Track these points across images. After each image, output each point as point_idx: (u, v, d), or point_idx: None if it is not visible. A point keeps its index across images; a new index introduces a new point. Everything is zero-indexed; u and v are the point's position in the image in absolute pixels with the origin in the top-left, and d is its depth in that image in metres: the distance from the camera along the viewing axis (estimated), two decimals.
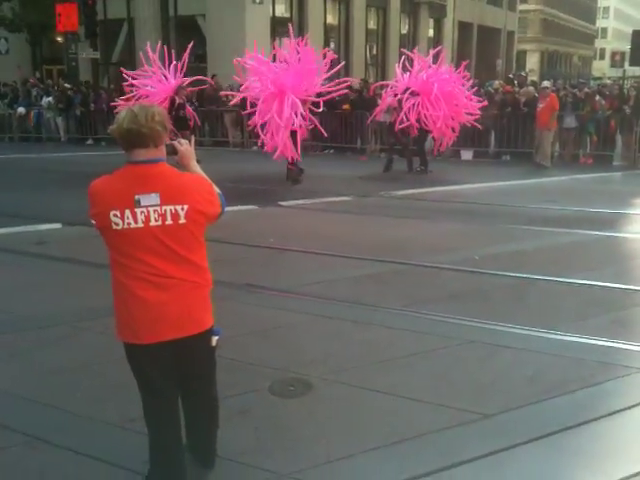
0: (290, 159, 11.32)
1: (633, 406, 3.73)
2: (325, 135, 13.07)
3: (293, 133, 10.87)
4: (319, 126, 12.09)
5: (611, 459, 3.32)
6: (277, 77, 10.65)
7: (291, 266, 6.66)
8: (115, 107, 13.44)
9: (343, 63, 12.23)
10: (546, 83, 15.98)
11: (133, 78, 12.84)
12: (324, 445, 3.36)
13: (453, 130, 12.94)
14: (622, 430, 3.59)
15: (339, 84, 11.69)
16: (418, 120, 12.31)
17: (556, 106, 13.62)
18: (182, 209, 2.64)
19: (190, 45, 12.64)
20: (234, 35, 20.75)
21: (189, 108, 12.97)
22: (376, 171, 13.20)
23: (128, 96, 12.74)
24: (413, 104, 12.21)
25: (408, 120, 12.26)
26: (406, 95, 12.29)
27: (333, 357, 4.41)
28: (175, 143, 2.88)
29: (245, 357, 4.28)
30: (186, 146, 2.91)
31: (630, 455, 3.32)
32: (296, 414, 3.70)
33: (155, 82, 12.67)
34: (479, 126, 13.37)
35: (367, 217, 9.18)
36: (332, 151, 16.63)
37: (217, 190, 2.86)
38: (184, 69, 12.65)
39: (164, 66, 12.72)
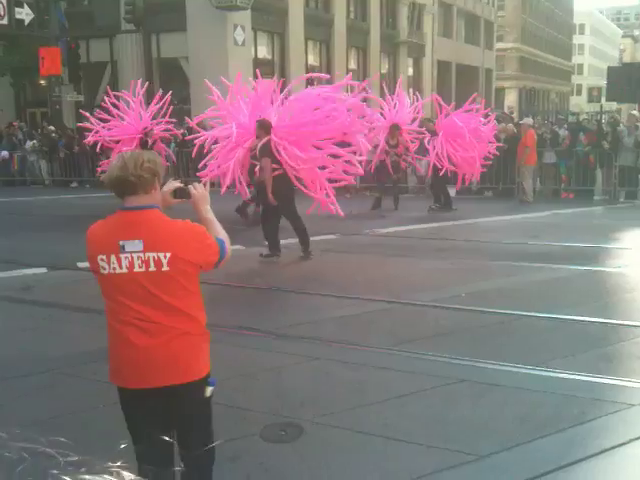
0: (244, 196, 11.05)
1: (624, 443, 3.73)
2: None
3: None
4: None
5: None
6: (243, 119, 10.47)
7: (278, 307, 6.66)
8: (100, 148, 13.66)
9: None
10: (526, 120, 16.30)
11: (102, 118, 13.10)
12: None
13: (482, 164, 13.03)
14: (614, 468, 3.59)
15: None
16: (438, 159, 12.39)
17: (528, 142, 13.88)
18: (165, 257, 2.63)
19: (170, 93, 12.95)
20: (217, 77, 20.96)
21: (164, 148, 13.20)
22: (361, 209, 13.29)
23: (94, 135, 13.04)
24: (436, 143, 12.32)
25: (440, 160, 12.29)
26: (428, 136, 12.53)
27: (323, 399, 4.39)
28: (190, 187, 2.87)
29: (234, 402, 4.24)
30: (201, 190, 2.89)
31: None
32: (288, 460, 3.66)
33: (130, 118, 12.95)
34: (497, 153, 13.35)
35: (353, 255, 9.22)
36: None
37: (218, 236, 2.83)
38: (164, 112, 12.94)
39: (147, 106, 13.01)
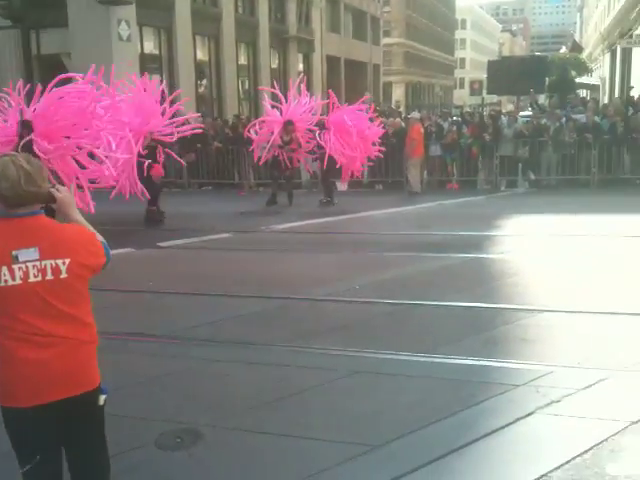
0: (149, 200, 11.12)
1: (511, 423, 3.94)
2: (183, 163, 13.22)
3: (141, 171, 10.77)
4: (176, 156, 12.18)
5: (495, 477, 3.48)
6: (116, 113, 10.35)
7: (173, 310, 6.51)
8: None
9: (185, 99, 12.04)
10: (414, 114, 16.82)
11: None
12: None
13: (362, 164, 13.32)
14: (503, 447, 3.76)
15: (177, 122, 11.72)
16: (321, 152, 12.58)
17: (413, 135, 14.36)
18: (63, 263, 2.54)
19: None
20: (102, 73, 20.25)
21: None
22: (256, 206, 13.27)
23: None
24: (327, 138, 12.45)
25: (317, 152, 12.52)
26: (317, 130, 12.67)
27: (222, 402, 4.35)
28: (53, 190, 2.71)
29: (129, 411, 4.12)
30: (65, 193, 2.75)
31: (511, 472, 3.50)
32: (184, 467, 3.60)
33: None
34: (381, 156, 13.74)
35: (248, 253, 9.18)
36: (210, 188, 16.56)
37: (101, 239, 2.75)
38: None
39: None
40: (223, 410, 4.22)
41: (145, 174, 10.84)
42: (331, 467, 3.51)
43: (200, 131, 13.68)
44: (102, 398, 2.72)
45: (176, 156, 12.26)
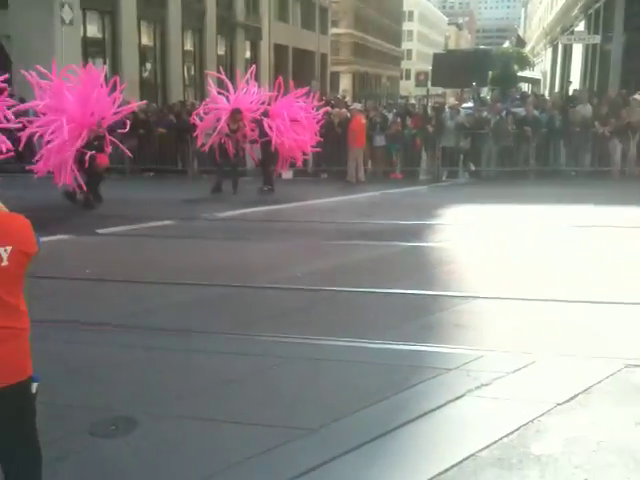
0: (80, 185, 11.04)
1: (442, 405, 4.05)
2: (130, 155, 13.05)
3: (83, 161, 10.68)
4: (123, 147, 12.08)
5: (425, 457, 3.57)
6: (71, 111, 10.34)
7: (111, 297, 6.43)
8: None
9: (123, 85, 11.85)
10: (356, 105, 16.96)
11: None
12: None
13: (304, 152, 13.28)
14: (434, 429, 3.87)
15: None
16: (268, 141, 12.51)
17: (353, 127, 14.50)
18: (5, 251, 2.49)
19: None
20: (43, 57, 19.61)
21: None
22: (200, 193, 13.15)
23: None
24: (270, 126, 12.42)
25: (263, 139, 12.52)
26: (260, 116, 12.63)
27: (159, 389, 4.33)
28: None
29: (62, 399, 4.06)
30: None
31: (441, 452, 3.60)
32: (120, 454, 3.59)
33: None
34: (318, 149, 13.77)
35: (191, 241, 9.11)
36: (152, 174, 16.33)
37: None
38: None
39: None
40: (159, 398, 4.20)
41: (87, 164, 10.74)
42: (265, 451, 3.55)
43: (143, 116, 13.50)
44: (34, 386, 2.71)
45: (123, 147, 12.07)
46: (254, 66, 14.78)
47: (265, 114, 12.79)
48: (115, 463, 3.51)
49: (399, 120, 15.57)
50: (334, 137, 15.08)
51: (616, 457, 3.44)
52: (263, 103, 13.06)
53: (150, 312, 5.87)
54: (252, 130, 13.09)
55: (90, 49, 22.86)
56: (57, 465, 3.38)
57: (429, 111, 16.50)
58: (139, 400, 4.15)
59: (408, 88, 74.78)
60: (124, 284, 6.82)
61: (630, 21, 21.61)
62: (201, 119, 13.25)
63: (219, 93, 13.10)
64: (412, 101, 30.19)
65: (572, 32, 30.65)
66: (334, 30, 56.87)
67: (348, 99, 29.11)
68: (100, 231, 9.41)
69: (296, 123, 12.63)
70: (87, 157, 10.67)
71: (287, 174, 15.41)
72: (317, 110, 13.40)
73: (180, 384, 4.41)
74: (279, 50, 39.63)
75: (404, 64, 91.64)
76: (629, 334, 5.17)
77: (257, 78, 14.77)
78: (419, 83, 41.09)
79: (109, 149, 11.50)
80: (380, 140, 15.40)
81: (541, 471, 3.33)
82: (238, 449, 3.58)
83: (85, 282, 6.89)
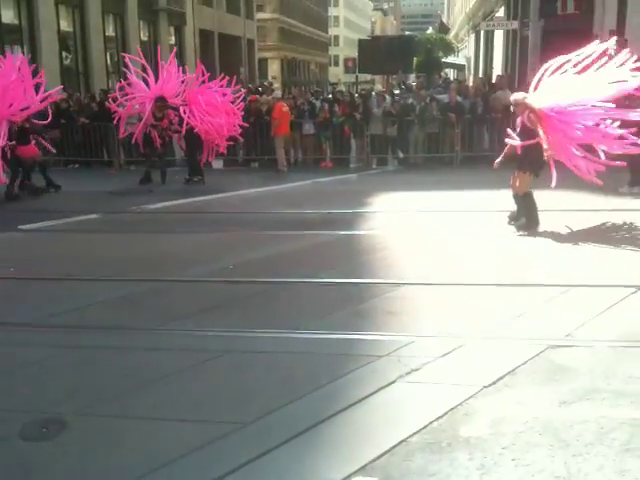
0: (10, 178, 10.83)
1: (374, 392, 4.13)
2: (52, 150, 12.67)
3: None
4: (43, 140, 11.80)
5: (358, 445, 3.63)
6: None
7: (36, 296, 6.23)
8: None
9: (42, 71, 11.51)
10: (276, 93, 16.87)
11: None
12: None
13: (224, 137, 13.02)
14: (367, 415, 3.94)
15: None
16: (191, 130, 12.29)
17: (275, 114, 14.44)
18: None
19: None
20: None
21: None
22: (127, 185, 12.86)
23: None
24: (188, 113, 12.18)
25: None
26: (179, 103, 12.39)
27: (88, 389, 4.25)
28: None
29: None
30: None
31: (374, 439, 3.67)
32: (51, 457, 3.51)
33: None
34: (240, 137, 13.63)
35: (118, 235, 8.92)
36: (77, 166, 15.84)
37: None
38: None
39: None
40: (89, 397, 4.13)
41: (9, 155, 10.44)
42: (201, 447, 3.54)
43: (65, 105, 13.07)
44: None
45: (43, 140, 11.73)
46: (175, 49, 14.45)
47: (183, 101, 12.55)
48: (43, 466, 3.44)
49: (327, 107, 15.60)
50: (263, 125, 15.00)
51: (541, 437, 3.59)
52: (185, 86, 12.81)
53: (78, 310, 5.73)
54: (175, 117, 12.85)
55: (6, 37, 21.95)
56: None
57: (356, 98, 16.58)
58: (70, 401, 4.07)
59: (337, 74, 75.02)
60: (50, 282, 6.63)
61: (545, 7, 22.24)
62: (122, 107, 12.90)
63: (140, 78, 12.76)
64: (341, 88, 30.27)
65: (492, 18, 31.38)
66: (260, 15, 56.25)
67: (277, 86, 28.98)
68: (23, 227, 9.10)
69: (212, 107, 12.41)
70: (7, 148, 10.31)
71: (217, 164, 15.25)
72: (235, 94, 13.14)
73: (111, 383, 4.34)
74: (204, 35, 38.97)
75: (332, 50, 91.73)
76: (551, 315, 5.39)
77: (182, 64, 14.41)
78: (348, 69, 41.38)
79: (32, 140, 11.16)
80: (309, 128, 15.40)
81: (470, 453, 3.45)
82: (171, 447, 3.56)
83: (9, 281, 6.66)
